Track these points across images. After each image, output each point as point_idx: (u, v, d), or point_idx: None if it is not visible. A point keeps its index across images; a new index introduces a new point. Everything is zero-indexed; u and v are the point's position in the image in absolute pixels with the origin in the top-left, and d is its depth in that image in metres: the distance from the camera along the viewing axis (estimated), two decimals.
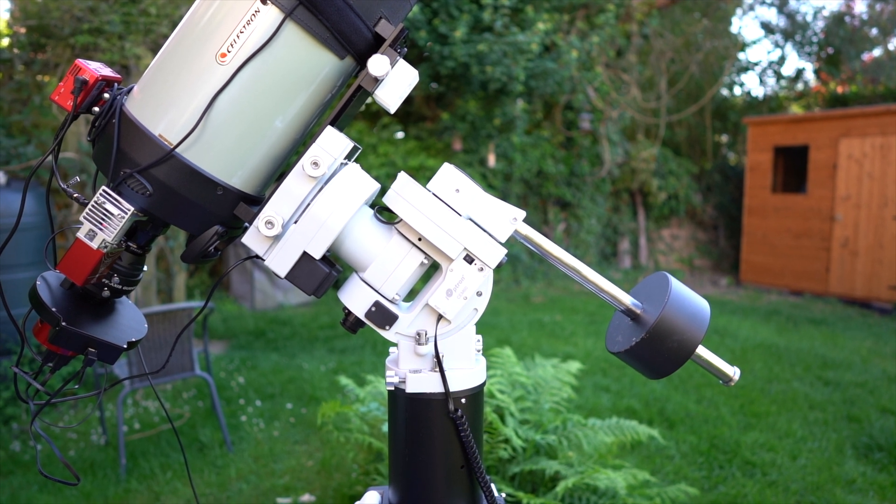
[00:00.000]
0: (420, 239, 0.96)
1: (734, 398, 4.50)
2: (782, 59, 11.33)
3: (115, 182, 0.91)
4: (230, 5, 0.90)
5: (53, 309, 0.93)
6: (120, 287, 0.98)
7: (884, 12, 10.08)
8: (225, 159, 0.91)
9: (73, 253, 0.95)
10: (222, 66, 0.88)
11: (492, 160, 8.14)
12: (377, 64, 0.91)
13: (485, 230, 0.96)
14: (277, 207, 0.92)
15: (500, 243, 0.96)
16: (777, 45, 11.24)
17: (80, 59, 0.95)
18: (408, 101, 8.00)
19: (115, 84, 0.99)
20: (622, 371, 5.02)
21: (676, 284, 0.99)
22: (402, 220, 0.96)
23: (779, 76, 11.61)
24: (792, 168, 9.57)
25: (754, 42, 11.50)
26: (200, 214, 0.92)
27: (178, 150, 0.89)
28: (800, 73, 11.54)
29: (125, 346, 0.97)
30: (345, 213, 0.93)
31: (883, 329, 6.86)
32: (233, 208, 0.94)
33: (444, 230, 0.94)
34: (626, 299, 1.01)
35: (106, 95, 0.94)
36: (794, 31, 10.45)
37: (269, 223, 0.91)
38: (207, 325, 3.54)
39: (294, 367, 5.19)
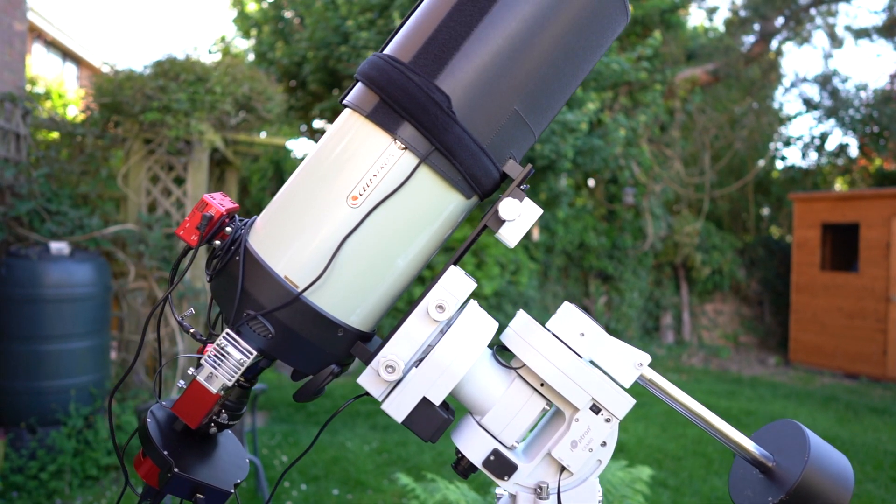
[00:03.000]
0: (542, 385, 0.92)
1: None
2: (824, 136, 11.27)
3: (238, 324, 0.88)
4: (363, 148, 0.89)
5: (165, 452, 0.90)
6: (227, 422, 0.96)
7: None
8: (346, 299, 0.89)
9: (190, 396, 0.93)
10: (353, 208, 0.87)
11: (535, 234, 8.11)
12: (508, 208, 0.89)
13: (609, 376, 0.92)
14: (397, 350, 0.89)
15: (625, 390, 0.92)
16: (820, 120, 11.22)
17: (207, 195, 0.94)
18: None
19: (236, 216, 0.98)
20: (678, 464, 4.78)
21: (814, 438, 0.93)
22: (524, 365, 0.92)
23: (821, 150, 11.52)
24: (840, 245, 9.35)
25: (797, 115, 11.47)
26: (318, 355, 0.90)
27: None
28: (843, 147, 11.44)
29: (232, 491, 0.93)
30: (469, 359, 0.89)
31: None
32: (350, 347, 0.91)
33: (570, 378, 0.91)
34: (754, 448, 0.95)
35: (228, 229, 0.93)
36: (837, 107, 10.42)
37: (391, 367, 0.88)
38: (256, 405, 3.48)
39: (337, 444, 5.07)
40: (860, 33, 10.19)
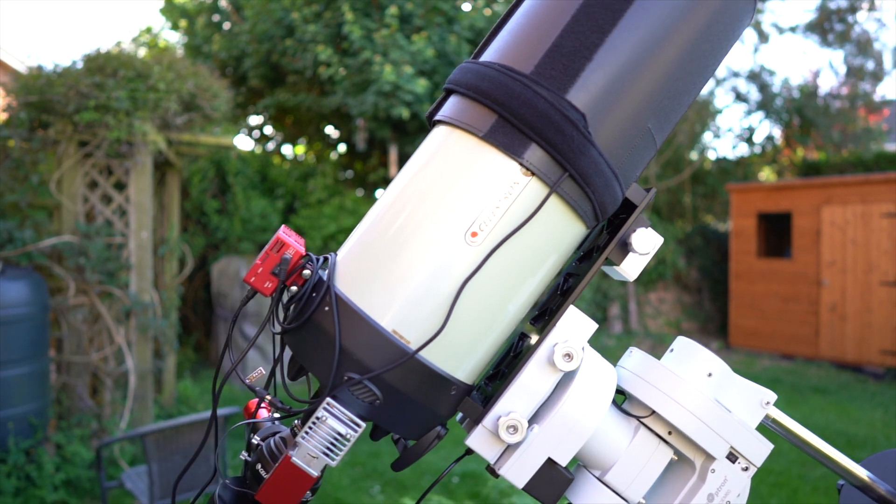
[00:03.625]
0: (670, 433, 0.84)
1: (778, 487, 4.35)
2: (752, 129, 11.78)
3: (334, 389, 0.74)
4: (482, 175, 0.76)
5: None
6: (307, 500, 0.83)
7: (850, 89, 10.63)
8: (457, 352, 0.77)
9: (282, 479, 0.76)
10: (472, 246, 0.74)
11: None
12: (644, 240, 0.80)
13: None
14: (516, 406, 0.78)
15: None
16: (748, 113, 11.71)
17: (283, 232, 0.79)
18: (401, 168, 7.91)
19: (312, 255, 0.82)
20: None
21: None
22: (653, 412, 0.83)
23: (750, 142, 12.04)
24: (774, 233, 9.80)
25: (725, 108, 11.95)
26: (427, 417, 0.79)
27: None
28: (770, 139, 12.00)
29: None
30: (600, 412, 0.79)
31: (885, 397, 6.88)
32: (457, 405, 0.80)
33: (708, 426, 0.82)
34: (885, 490, 0.90)
35: (306, 272, 0.78)
36: (766, 101, 10.90)
37: (513, 428, 0.76)
38: (224, 425, 3.23)
39: None
40: (786, 29, 10.69)
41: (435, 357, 0.75)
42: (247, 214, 7.41)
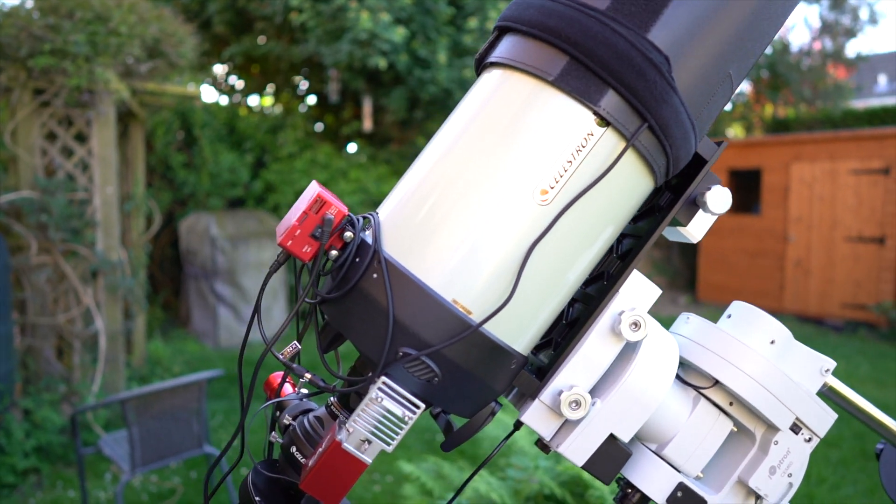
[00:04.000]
0: (731, 404, 0.80)
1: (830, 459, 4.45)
2: None
3: (387, 366, 0.67)
4: (551, 125, 0.68)
5: None
6: None
7: (822, 45, 10.68)
8: (517, 323, 0.71)
9: (330, 467, 0.69)
10: (542, 206, 0.67)
11: None
12: (719, 199, 0.74)
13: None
14: (577, 380, 0.73)
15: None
16: None
17: (322, 189, 0.70)
18: (375, 122, 7.69)
19: (353, 216, 0.74)
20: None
21: None
22: (717, 382, 0.79)
23: None
24: (745, 190, 9.93)
25: None
26: (484, 394, 0.73)
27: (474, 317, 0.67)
28: (740, 95, 12.04)
29: None
30: (665, 384, 0.75)
31: (846, 349, 7.15)
32: (514, 379, 0.74)
33: (775, 396, 0.78)
34: None
35: (347, 234, 0.70)
36: None
37: (576, 403, 0.71)
38: (205, 389, 3.12)
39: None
40: None
41: (496, 328, 0.69)
42: (215, 169, 7.13)
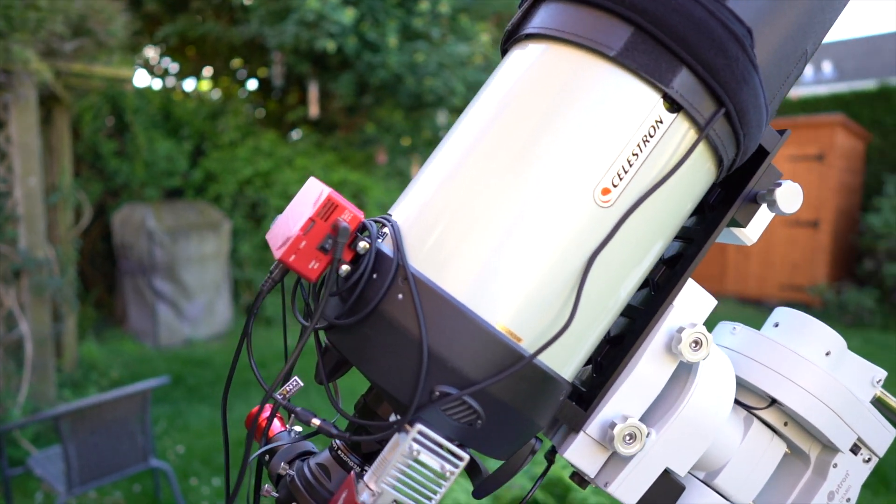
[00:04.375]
0: (786, 423, 0.74)
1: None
2: None
3: (420, 408, 0.55)
4: (613, 110, 0.56)
5: None
6: None
7: None
8: (567, 348, 0.60)
9: None
10: (603, 208, 0.56)
11: (416, 173, 7.77)
12: (790, 197, 0.65)
13: None
14: (627, 408, 0.63)
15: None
16: None
17: (333, 192, 0.57)
18: (322, 108, 7.40)
19: (366, 222, 0.61)
20: None
21: None
22: (773, 402, 0.72)
23: None
24: None
25: None
26: (527, 432, 0.62)
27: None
28: None
29: None
30: (725, 409, 0.66)
31: None
32: (558, 411, 0.65)
33: (838, 415, 0.72)
34: None
35: (362, 244, 0.58)
36: None
37: (631, 436, 0.62)
38: (150, 399, 2.86)
39: (235, 422, 4.51)
40: None
41: (545, 355, 0.58)
42: (150, 157, 6.69)
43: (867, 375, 0.76)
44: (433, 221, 0.58)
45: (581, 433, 0.64)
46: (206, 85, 8.81)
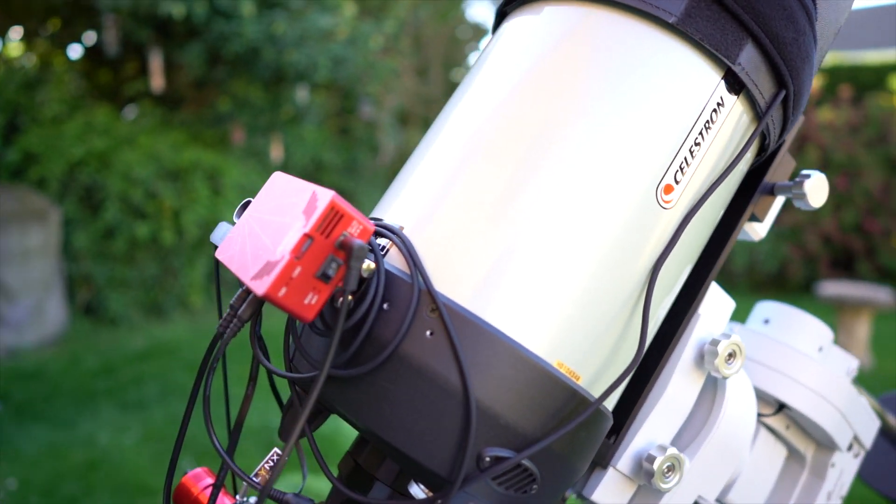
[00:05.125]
0: (788, 427, 0.72)
1: None
2: None
3: (469, 483, 0.43)
4: (672, 90, 0.48)
5: None
6: None
7: None
8: (609, 375, 0.50)
9: None
10: (665, 210, 0.48)
11: (277, 153, 7.29)
12: (819, 188, 0.60)
13: None
14: (660, 435, 0.57)
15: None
16: None
17: (335, 195, 0.42)
18: (167, 80, 6.65)
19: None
20: None
21: None
22: (784, 406, 0.69)
23: None
24: None
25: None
26: (569, 482, 0.52)
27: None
28: None
29: None
30: (751, 425, 0.62)
31: None
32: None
33: (843, 414, 0.70)
34: None
35: (367, 264, 0.44)
36: None
37: (671, 468, 0.54)
38: None
39: (83, 442, 3.96)
40: None
41: (598, 391, 0.49)
42: None
43: (844, 365, 0.75)
44: (457, 231, 0.45)
45: (610, 469, 0.56)
46: (15, 49, 7.56)
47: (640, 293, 0.48)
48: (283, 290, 0.39)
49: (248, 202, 0.50)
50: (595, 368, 0.47)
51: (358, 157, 9.13)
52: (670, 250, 0.48)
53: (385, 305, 0.43)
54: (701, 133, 0.48)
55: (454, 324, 0.42)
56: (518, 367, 0.43)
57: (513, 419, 0.43)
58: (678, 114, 0.47)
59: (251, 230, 0.44)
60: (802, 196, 0.59)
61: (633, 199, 0.47)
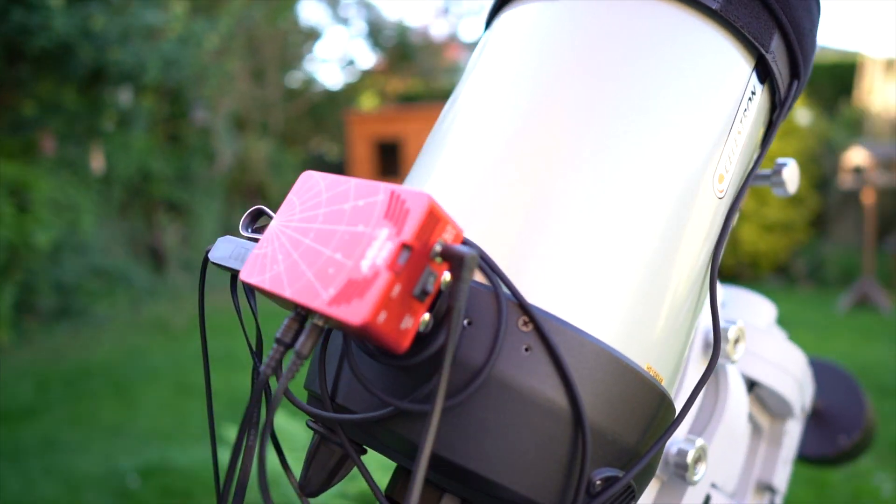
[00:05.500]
0: (753, 403, 0.76)
1: None
2: (351, 60, 12.26)
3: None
4: (715, 79, 0.48)
5: None
6: None
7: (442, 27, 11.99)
8: (678, 376, 0.50)
9: None
10: (720, 199, 0.48)
11: (98, 163, 6.50)
12: (795, 176, 0.63)
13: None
14: (681, 427, 0.58)
15: None
16: (352, 39, 12.13)
17: (431, 195, 0.35)
18: None
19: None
20: None
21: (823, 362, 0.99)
22: (758, 385, 0.73)
23: (352, 70, 12.56)
24: (390, 159, 10.68)
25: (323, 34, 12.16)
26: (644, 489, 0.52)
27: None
28: (369, 69, 12.74)
29: None
30: (746, 409, 0.63)
31: None
32: None
33: (799, 384, 0.75)
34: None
35: (446, 276, 0.38)
36: (371, 30, 11.45)
37: (698, 460, 0.54)
38: None
39: None
40: None
41: (672, 392, 0.48)
42: None
43: (785, 335, 0.79)
44: (525, 231, 0.40)
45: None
46: None
47: (701, 287, 0.47)
48: (382, 315, 0.32)
49: (260, 210, 0.43)
50: (671, 368, 0.45)
51: (191, 166, 8.46)
52: (724, 241, 0.48)
53: (469, 323, 0.37)
54: (741, 121, 0.48)
55: (551, 335, 0.38)
56: (618, 375, 0.39)
57: (617, 433, 0.40)
58: (727, 102, 0.47)
59: (294, 243, 0.36)
60: (782, 184, 0.61)
61: (701, 192, 0.45)
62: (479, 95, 0.48)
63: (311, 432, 0.46)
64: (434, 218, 0.33)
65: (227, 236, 0.44)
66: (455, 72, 12.26)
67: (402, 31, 11.34)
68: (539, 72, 0.46)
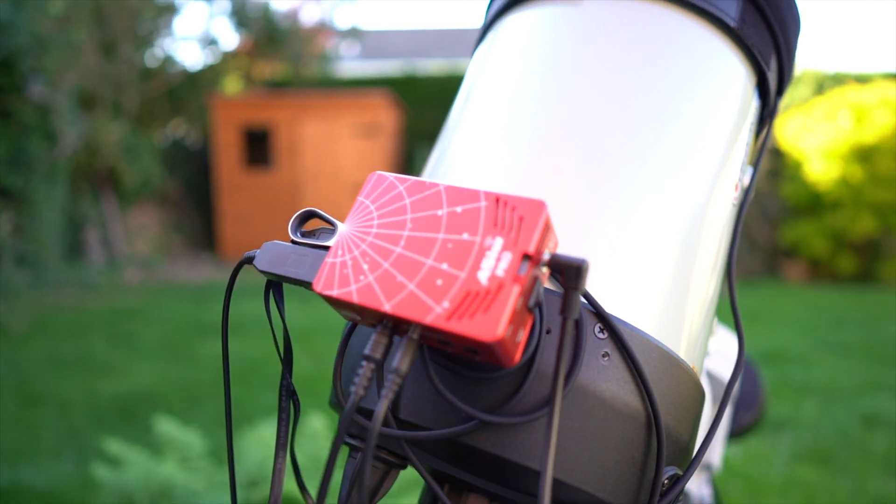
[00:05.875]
0: None
1: None
2: (215, 40, 11.54)
3: None
4: (730, 94, 0.51)
5: None
6: None
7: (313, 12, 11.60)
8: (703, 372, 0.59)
9: None
10: (734, 206, 0.53)
11: None
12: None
13: None
14: None
15: None
16: (212, 18, 11.43)
17: (546, 204, 0.37)
18: None
19: None
20: None
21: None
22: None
23: (214, 51, 11.81)
24: (257, 146, 10.22)
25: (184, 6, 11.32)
26: None
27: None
28: (233, 51, 12.06)
29: None
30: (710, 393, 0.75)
31: None
32: None
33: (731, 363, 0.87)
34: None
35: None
36: (235, 9, 10.82)
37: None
38: None
39: None
40: None
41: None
42: None
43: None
44: (582, 234, 0.40)
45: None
46: None
47: (718, 290, 0.49)
48: (509, 330, 0.31)
49: (311, 212, 0.40)
50: (700, 366, 0.47)
51: (27, 148, 7.52)
52: (736, 245, 0.50)
53: (548, 332, 0.37)
54: (749, 132, 0.51)
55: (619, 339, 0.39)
56: (679, 377, 0.41)
57: (679, 433, 0.41)
58: (744, 117, 0.49)
59: (382, 251, 0.34)
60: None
61: (726, 202, 0.48)
62: (516, 110, 0.46)
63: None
64: (548, 226, 0.33)
65: (275, 241, 0.41)
66: (327, 60, 11.93)
67: (267, 13, 10.82)
68: (577, 84, 0.45)
